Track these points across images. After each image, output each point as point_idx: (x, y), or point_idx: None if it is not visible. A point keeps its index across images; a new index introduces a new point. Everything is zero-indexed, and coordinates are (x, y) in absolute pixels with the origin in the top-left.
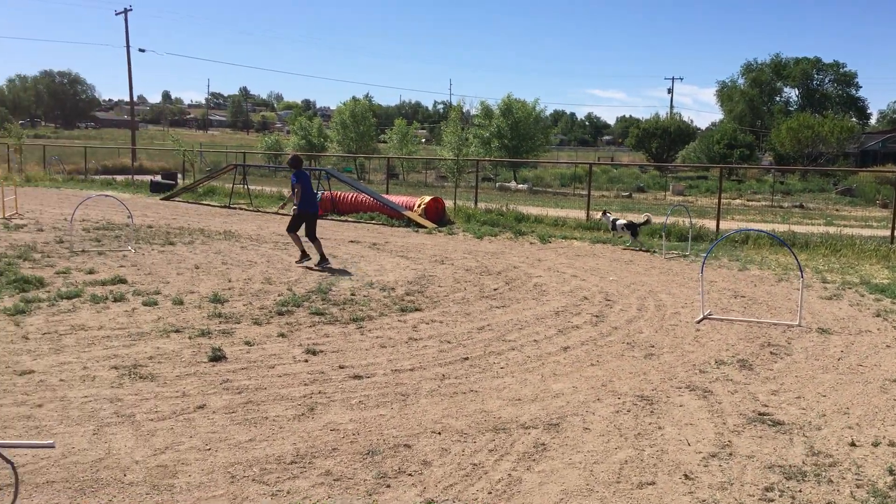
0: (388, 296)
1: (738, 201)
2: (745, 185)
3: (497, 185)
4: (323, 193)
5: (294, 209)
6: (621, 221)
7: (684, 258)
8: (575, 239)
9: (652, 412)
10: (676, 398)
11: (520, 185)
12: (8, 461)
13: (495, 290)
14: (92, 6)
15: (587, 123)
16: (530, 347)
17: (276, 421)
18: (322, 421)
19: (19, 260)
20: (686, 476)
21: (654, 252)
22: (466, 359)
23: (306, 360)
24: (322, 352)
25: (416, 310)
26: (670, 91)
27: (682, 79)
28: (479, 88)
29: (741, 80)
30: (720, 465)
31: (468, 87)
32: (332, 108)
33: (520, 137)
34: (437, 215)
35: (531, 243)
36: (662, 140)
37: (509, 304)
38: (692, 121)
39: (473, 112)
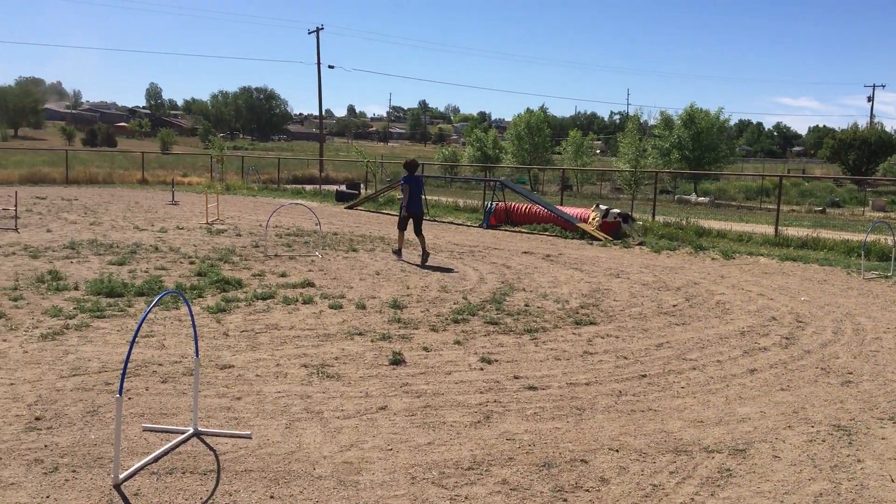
0: (562, 308)
1: None
2: None
3: (676, 197)
4: (497, 204)
5: (402, 209)
6: (615, 210)
7: (886, 279)
8: (762, 255)
9: (850, 443)
10: (878, 430)
11: (700, 198)
12: (211, 449)
13: (674, 306)
14: (288, 26)
15: (775, 134)
16: (713, 368)
17: (453, 426)
18: (498, 429)
19: (220, 262)
20: None
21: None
22: (644, 376)
23: (481, 369)
24: (497, 361)
25: (591, 323)
26: (870, 99)
27: (883, 86)
28: (658, 98)
29: None
30: None
31: (646, 97)
32: (506, 119)
33: (702, 148)
34: (612, 228)
35: (713, 259)
36: (861, 151)
37: (690, 321)
38: None
39: (652, 122)
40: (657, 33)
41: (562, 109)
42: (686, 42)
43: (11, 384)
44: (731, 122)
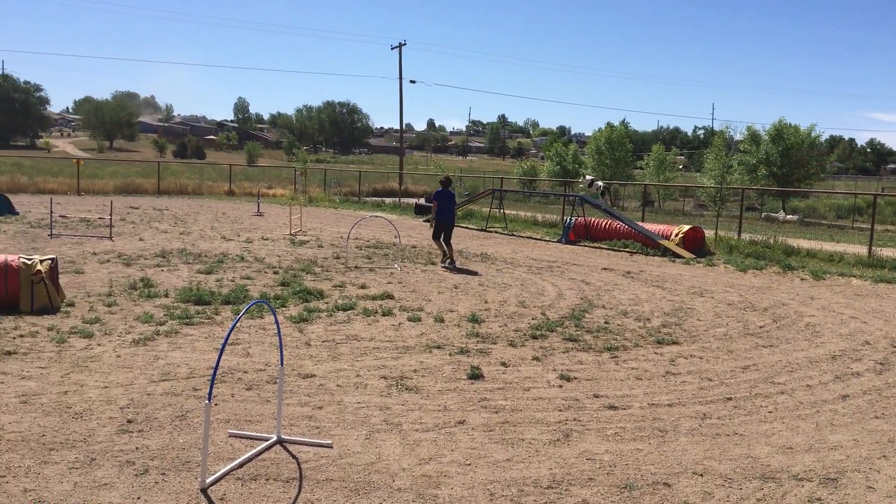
0: (644, 326)
1: None
2: None
3: (763, 214)
4: (576, 219)
5: (433, 220)
6: (599, 183)
7: None
8: (854, 276)
9: None
10: None
11: (789, 216)
12: (294, 457)
13: (761, 327)
14: (371, 42)
15: (868, 150)
16: (802, 392)
17: (532, 444)
18: (577, 449)
19: (303, 273)
20: None
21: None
22: (730, 399)
23: (560, 386)
24: (576, 379)
25: (674, 343)
26: None
27: None
28: (745, 112)
29: None
30: None
31: (732, 112)
32: (586, 134)
33: (791, 165)
34: (696, 245)
35: (802, 279)
36: None
37: (777, 343)
38: None
39: (738, 137)
40: (744, 47)
41: (643, 124)
42: (775, 55)
43: (105, 387)
44: (823, 138)
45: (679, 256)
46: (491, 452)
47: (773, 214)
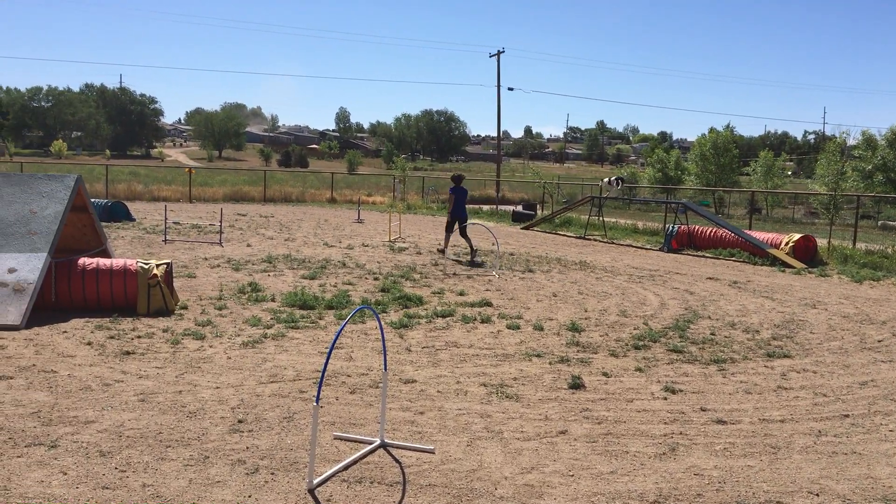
0: (752, 338)
1: None
2: None
3: (879, 223)
4: (679, 227)
5: (448, 214)
6: (613, 178)
7: None
8: None
9: None
10: None
11: None
12: (397, 461)
13: (879, 341)
14: (470, 51)
15: None
16: None
17: (636, 456)
18: (684, 463)
19: (402, 279)
20: None
21: None
22: (847, 416)
23: (665, 398)
24: (681, 391)
25: (785, 356)
26: None
27: None
28: (858, 116)
29: None
30: None
31: (845, 116)
32: (689, 139)
33: None
34: (807, 255)
35: None
36: None
37: None
38: None
39: (851, 142)
40: (857, 48)
41: (749, 129)
42: (891, 57)
43: (217, 388)
44: None
45: (789, 266)
46: (594, 464)
47: (891, 223)
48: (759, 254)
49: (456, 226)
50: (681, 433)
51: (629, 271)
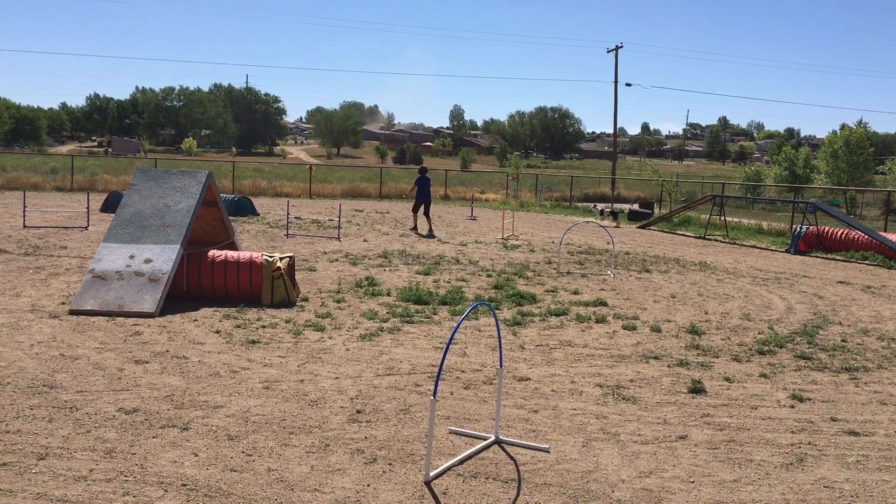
0: (888, 346)
1: None
2: None
3: None
4: (808, 228)
5: (413, 198)
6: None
7: None
8: None
9: None
10: None
11: None
12: (511, 458)
13: None
14: (587, 46)
15: None
16: None
17: (761, 466)
18: (813, 475)
19: (515, 277)
20: None
21: None
22: None
23: (792, 406)
24: (810, 399)
25: None
26: None
27: None
28: None
29: None
30: None
31: None
32: (818, 136)
33: None
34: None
35: None
36: None
37: None
38: None
39: None
40: None
41: (885, 125)
42: None
43: (336, 378)
44: None
45: None
46: (716, 471)
47: None
48: (894, 257)
49: (422, 209)
50: (809, 443)
51: (753, 273)
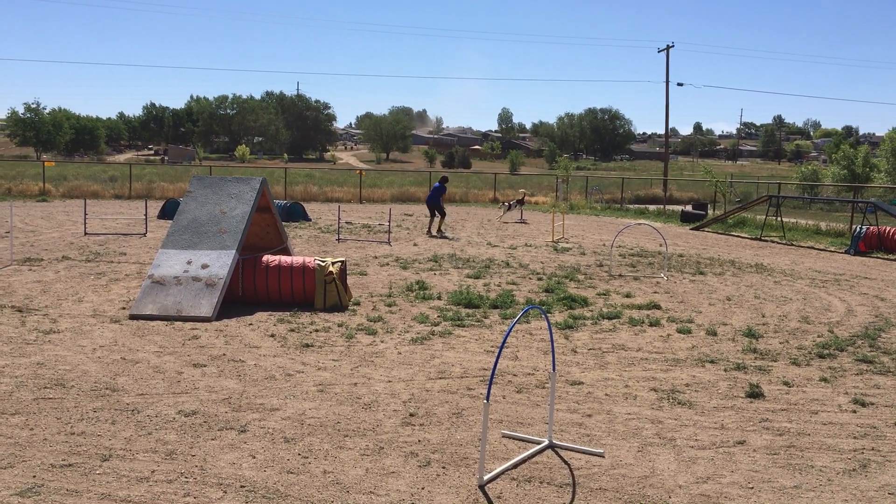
0: None
1: None
2: None
3: None
4: (868, 228)
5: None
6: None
7: None
8: None
9: None
10: None
11: None
12: (566, 462)
13: None
14: (637, 47)
15: None
16: None
17: (822, 472)
18: (878, 481)
19: (566, 280)
20: None
21: None
22: None
23: (854, 411)
24: (872, 404)
25: None
26: None
27: None
28: None
29: None
30: None
31: None
32: (877, 133)
33: None
34: None
35: None
36: None
37: None
38: None
39: None
40: None
41: None
42: None
43: (389, 381)
44: None
45: None
46: (775, 477)
47: None
48: None
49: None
50: (873, 449)
51: (811, 275)
